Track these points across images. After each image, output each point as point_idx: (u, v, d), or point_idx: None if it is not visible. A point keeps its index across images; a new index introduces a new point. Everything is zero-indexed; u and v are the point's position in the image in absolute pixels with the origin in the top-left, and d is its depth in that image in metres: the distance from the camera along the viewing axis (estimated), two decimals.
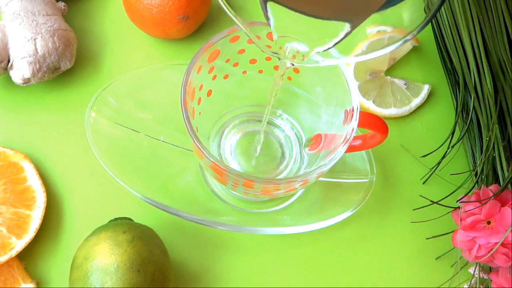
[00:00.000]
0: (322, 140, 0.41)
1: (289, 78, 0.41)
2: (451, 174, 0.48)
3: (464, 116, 0.49)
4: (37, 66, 0.45)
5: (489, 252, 0.41)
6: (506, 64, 0.48)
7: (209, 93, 0.41)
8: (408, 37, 0.28)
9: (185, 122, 0.34)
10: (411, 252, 0.47)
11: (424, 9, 0.27)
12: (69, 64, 0.48)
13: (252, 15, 0.30)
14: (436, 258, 0.47)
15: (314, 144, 0.41)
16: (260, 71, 0.41)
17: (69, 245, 0.44)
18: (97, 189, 0.46)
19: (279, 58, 0.32)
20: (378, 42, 0.51)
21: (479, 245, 0.41)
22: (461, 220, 0.42)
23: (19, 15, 0.46)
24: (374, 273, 0.46)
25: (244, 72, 0.41)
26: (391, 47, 0.28)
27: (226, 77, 0.41)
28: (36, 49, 0.45)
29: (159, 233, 0.42)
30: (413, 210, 0.47)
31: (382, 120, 0.38)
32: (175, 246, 0.45)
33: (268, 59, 0.40)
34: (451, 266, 0.46)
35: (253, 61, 0.40)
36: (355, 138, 0.40)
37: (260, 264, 0.45)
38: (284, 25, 0.30)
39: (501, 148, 0.46)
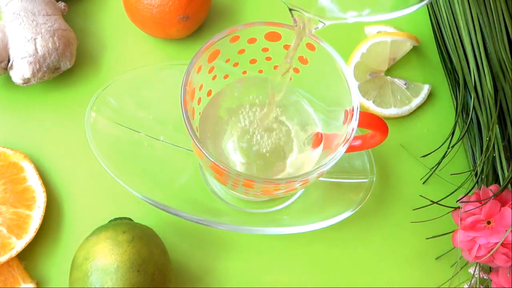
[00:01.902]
0: (323, 140, 0.41)
1: (289, 78, 0.41)
2: (451, 174, 0.48)
3: (464, 116, 0.49)
4: (37, 66, 0.45)
5: (489, 252, 0.41)
6: (506, 64, 0.48)
7: (209, 93, 0.41)
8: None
9: (185, 122, 0.35)
10: (411, 252, 0.47)
11: None
12: (69, 64, 0.48)
13: None
14: (436, 258, 0.47)
15: (315, 143, 0.41)
16: (260, 71, 0.41)
17: (69, 245, 0.44)
18: (97, 189, 0.46)
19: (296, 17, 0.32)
20: (379, 43, 0.52)
21: (479, 245, 0.41)
22: (461, 220, 0.42)
23: (19, 15, 0.46)
24: (374, 273, 0.46)
25: (244, 72, 0.41)
26: (415, 7, 0.29)
27: (226, 77, 0.41)
28: (36, 49, 0.45)
29: (159, 233, 0.42)
30: (413, 210, 0.47)
31: (382, 120, 0.38)
32: (175, 246, 0.45)
33: (268, 59, 0.40)
34: (451, 266, 0.46)
35: (253, 61, 0.40)
36: (355, 138, 0.40)
37: (260, 264, 0.45)
38: None
39: (501, 148, 0.46)
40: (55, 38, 0.46)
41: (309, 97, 0.42)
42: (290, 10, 0.33)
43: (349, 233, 0.47)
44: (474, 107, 0.47)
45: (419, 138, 0.51)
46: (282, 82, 0.38)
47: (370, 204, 0.47)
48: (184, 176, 0.46)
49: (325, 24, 0.33)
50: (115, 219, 0.42)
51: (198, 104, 0.39)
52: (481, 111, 0.47)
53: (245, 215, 0.46)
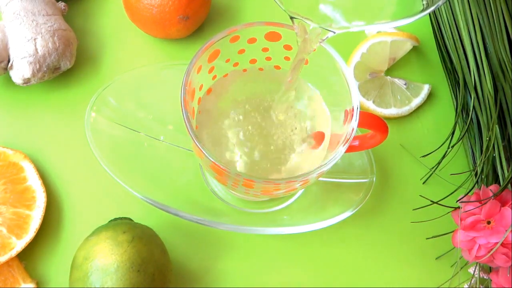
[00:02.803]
0: (325, 140, 0.40)
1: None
2: (451, 174, 0.48)
3: (464, 116, 0.49)
4: (37, 66, 0.45)
5: (489, 252, 0.41)
6: (506, 64, 0.48)
7: (208, 92, 0.41)
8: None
9: (185, 122, 0.35)
10: (411, 252, 0.47)
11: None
12: (69, 64, 0.48)
13: None
14: (436, 258, 0.47)
15: (316, 143, 0.41)
16: (260, 69, 0.41)
17: (69, 245, 0.44)
18: (97, 189, 0.46)
19: (297, 21, 0.32)
20: (379, 43, 0.52)
21: (479, 245, 0.41)
22: (461, 220, 0.42)
23: (19, 15, 0.46)
24: (374, 273, 0.46)
25: (244, 70, 0.41)
26: (419, 15, 0.29)
27: (225, 76, 0.41)
28: (36, 49, 0.45)
29: (159, 233, 0.42)
30: (413, 210, 0.47)
31: (382, 120, 0.38)
32: (175, 246, 0.45)
33: (268, 59, 0.40)
34: (451, 266, 0.46)
35: (253, 61, 0.40)
36: (355, 138, 0.40)
37: (260, 264, 0.45)
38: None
39: (501, 148, 0.46)
40: (55, 38, 0.46)
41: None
42: (292, 18, 0.33)
43: (349, 233, 0.47)
44: (474, 107, 0.47)
45: (419, 138, 0.51)
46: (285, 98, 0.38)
47: (370, 204, 0.47)
48: (184, 176, 0.46)
49: (334, 33, 0.33)
50: (115, 219, 0.43)
51: (198, 104, 0.39)
52: (481, 111, 0.47)
53: (245, 215, 0.46)
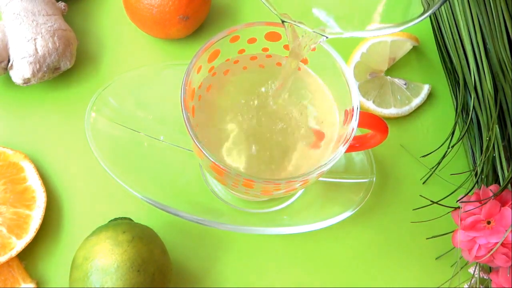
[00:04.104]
0: (325, 139, 0.40)
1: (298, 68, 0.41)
2: (451, 174, 0.48)
3: (464, 116, 0.49)
4: (37, 66, 0.45)
5: (489, 252, 0.41)
6: (506, 64, 0.48)
7: (208, 89, 0.41)
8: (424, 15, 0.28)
9: (185, 122, 0.34)
10: (411, 252, 0.47)
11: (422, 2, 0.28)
12: (69, 64, 0.48)
13: None
14: (436, 258, 0.47)
15: (317, 142, 0.41)
16: (261, 66, 0.41)
17: (69, 245, 0.44)
18: (97, 189, 0.46)
19: (286, 24, 0.31)
20: (379, 43, 0.52)
21: (479, 245, 0.41)
22: (461, 220, 0.42)
23: (19, 15, 0.46)
24: (374, 273, 0.46)
25: (245, 68, 0.41)
26: (402, 26, 0.29)
27: (226, 72, 0.41)
28: (36, 49, 0.45)
29: (159, 233, 0.42)
30: (413, 210, 0.47)
31: (382, 120, 0.38)
32: (175, 246, 0.45)
33: (267, 57, 0.40)
34: (451, 266, 0.46)
35: (253, 58, 0.40)
36: (355, 138, 0.40)
37: (260, 264, 0.46)
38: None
39: (501, 148, 0.46)
40: (55, 38, 0.46)
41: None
42: (283, 22, 0.33)
43: (349, 233, 0.47)
44: (474, 107, 0.47)
45: (419, 138, 0.51)
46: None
47: (370, 204, 0.47)
48: (184, 176, 0.46)
49: (327, 37, 0.32)
50: (115, 219, 0.43)
51: (198, 101, 0.39)
52: (481, 111, 0.47)
53: (245, 215, 0.46)
